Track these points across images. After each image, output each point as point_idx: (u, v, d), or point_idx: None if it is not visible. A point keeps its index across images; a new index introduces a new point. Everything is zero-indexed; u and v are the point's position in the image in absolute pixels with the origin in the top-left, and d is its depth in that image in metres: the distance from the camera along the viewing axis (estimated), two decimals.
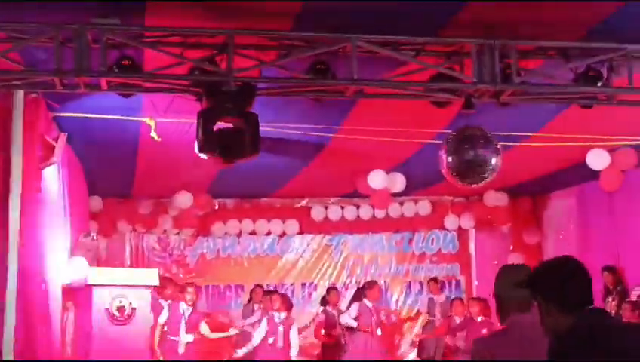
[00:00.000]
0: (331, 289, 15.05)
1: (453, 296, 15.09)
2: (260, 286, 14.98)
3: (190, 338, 12.37)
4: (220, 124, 7.41)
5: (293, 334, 12.69)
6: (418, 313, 16.26)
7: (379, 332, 13.29)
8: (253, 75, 7.48)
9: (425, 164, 11.26)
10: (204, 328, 12.78)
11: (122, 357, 9.50)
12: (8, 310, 8.15)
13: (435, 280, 15.52)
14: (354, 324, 13.23)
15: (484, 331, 11.30)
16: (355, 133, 10.49)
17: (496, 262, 15.75)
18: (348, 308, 13.96)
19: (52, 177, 9.81)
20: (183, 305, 12.39)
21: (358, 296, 14.11)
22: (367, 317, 13.21)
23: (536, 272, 3.99)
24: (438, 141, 9.27)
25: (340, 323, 13.89)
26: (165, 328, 12.28)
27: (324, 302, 14.68)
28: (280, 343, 12.54)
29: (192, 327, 12.41)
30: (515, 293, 4.32)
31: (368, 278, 16.09)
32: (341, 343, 13.85)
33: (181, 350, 12.23)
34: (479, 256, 16.72)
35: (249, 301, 14.87)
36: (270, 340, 12.55)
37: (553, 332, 3.82)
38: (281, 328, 12.57)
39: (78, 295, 10.37)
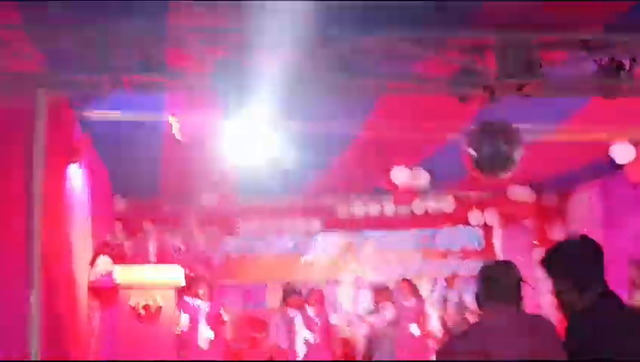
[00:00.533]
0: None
1: None
2: (289, 284, 15.01)
3: (211, 334, 12.39)
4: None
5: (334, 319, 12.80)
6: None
7: (416, 330, 13.10)
8: None
9: (448, 159, 11.23)
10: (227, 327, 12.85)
11: (149, 356, 9.53)
12: (34, 310, 8.18)
13: (455, 276, 15.41)
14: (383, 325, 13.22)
15: None
16: (377, 129, 10.47)
17: (520, 258, 15.68)
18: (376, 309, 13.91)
19: (75, 177, 9.86)
20: (197, 301, 12.40)
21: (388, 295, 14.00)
22: (406, 317, 13.13)
23: (550, 251, 4.04)
24: (462, 136, 9.25)
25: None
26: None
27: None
28: (319, 339, 12.59)
29: (212, 322, 12.42)
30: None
31: (393, 275, 16.10)
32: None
33: (203, 345, 12.25)
34: (505, 252, 16.63)
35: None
36: (310, 338, 12.58)
37: (569, 309, 3.86)
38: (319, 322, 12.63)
39: (103, 294, 10.41)
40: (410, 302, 13.22)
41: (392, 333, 13.21)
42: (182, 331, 12.18)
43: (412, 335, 12.98)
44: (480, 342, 4.26)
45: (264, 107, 7.45)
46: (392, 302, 13.48)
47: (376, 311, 13.92)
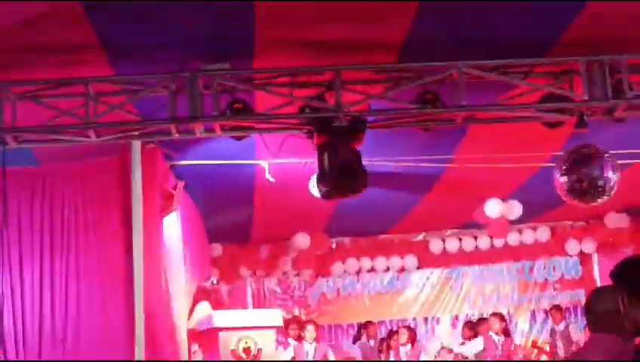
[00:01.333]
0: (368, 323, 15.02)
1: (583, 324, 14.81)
2: (370, 322, 14.92)
3: None
4: (332, 161, 7.47)
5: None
6: (544, 342, 15.93)
7: None
8: (362, 109, 7.54)
9: (541, 188, 11.10)
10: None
11: None
12: (138, 356, 8.34)
13: (558, 308, 15.17)
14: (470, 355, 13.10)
15: None
16: (467, 162, 10.44)
17: None
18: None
19: (172, 225, 10.02)
20: (306, 345, 12.40)
21: (482, 329, 13.87)
22: (492, 350, 13.00)
23: (621, 266, 3.91)
24: (553, 164, 9.15)
25: None
26: None
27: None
28: None
29: None
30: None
31: (491, 309, 15.91)
32: None
33: None
34: (604, 280, 16.27)
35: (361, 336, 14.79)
36: None
37: (635, 327, 3.75)
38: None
39: (203, 338, 10.52)
40: (500, 338, 13.07)
41: None
42: None
43: None
44: None
45: (352, 145, 7.47)
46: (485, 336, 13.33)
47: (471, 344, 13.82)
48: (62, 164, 8.94)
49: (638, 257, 4.01)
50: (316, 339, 12.58)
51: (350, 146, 7.44)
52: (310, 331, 12.44)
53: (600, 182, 8.07)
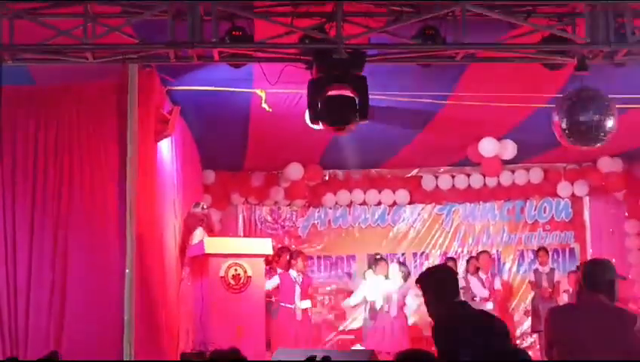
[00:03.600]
0: (450, 259, 15.08)
1: (569, 269, 14.97)
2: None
3: (307, 304, 12.45)
4: (330, 92, 7.45)
5: (408, 300, 12.76)
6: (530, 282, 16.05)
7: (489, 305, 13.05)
8: (362, 42, 7.49)
9: (536, 130, 11.09)
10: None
11: (238, 324, 9.69)
12: (128, 277, 8.41)
13: (544, 250, 15.26)
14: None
15: None
16: (465, 100, 10.41)
17: (611, 230, 15.45)
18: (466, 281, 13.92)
19: (166, 150, 10.02)
20: (293, 273, 12.47)
21: (472, 268, 13.94)
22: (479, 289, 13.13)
23: (421, 275, 5.72)
24: (551, 106, 9.12)
25: None
26: (273, 298, 12.38)
27: None
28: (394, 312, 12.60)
29: (306, 294, 12.47)
30: None
31: (480, 247, 15.97)
32: None
33: (299, 317, 12.31)
34: (594, 224, 16.37)
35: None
36: (385, 308, 12.58)
37: (434, 317, 5.38)
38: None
39: (193, 264, 10.58)
40: (488, 276, 13.17)
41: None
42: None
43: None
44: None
45: (352, 76, 7.44)
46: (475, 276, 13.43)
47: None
48: (58, 83, 8.90)
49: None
50: (303, 271, 12.62)
51: (351, 78, 7.41)
52: (300, 260, 12.50)
53: (598, 126, 8.04)
